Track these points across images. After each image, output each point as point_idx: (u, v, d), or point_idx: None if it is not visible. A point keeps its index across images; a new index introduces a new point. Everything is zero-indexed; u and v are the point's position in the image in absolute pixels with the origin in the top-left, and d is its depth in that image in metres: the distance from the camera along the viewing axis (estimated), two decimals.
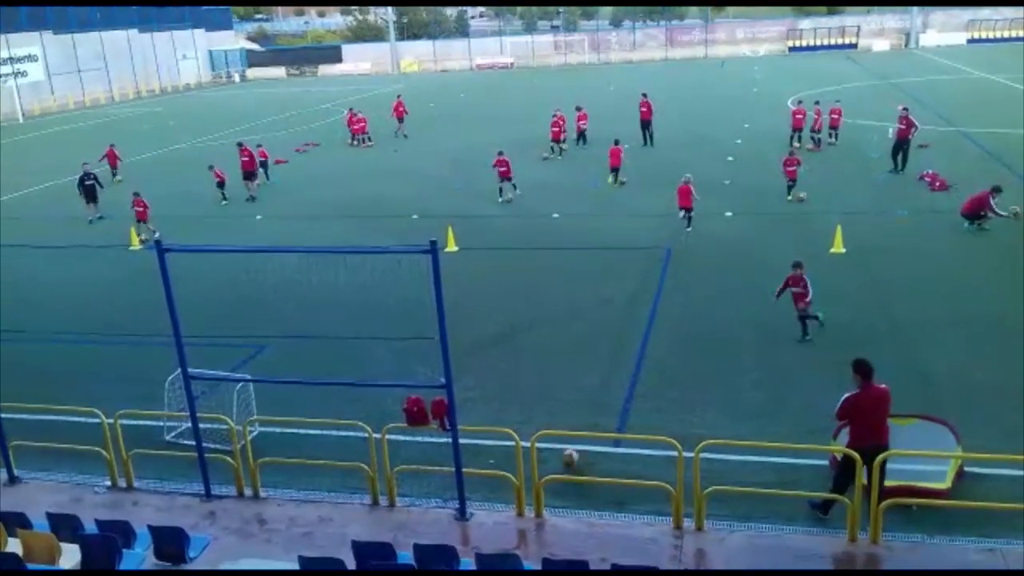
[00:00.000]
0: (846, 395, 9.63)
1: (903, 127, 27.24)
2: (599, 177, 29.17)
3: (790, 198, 23.40)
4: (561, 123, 34.65)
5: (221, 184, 29.09)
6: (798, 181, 24.59)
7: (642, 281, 18.65)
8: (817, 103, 32.80)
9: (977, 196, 20.98)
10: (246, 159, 29.48)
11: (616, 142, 28.64)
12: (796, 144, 31.26)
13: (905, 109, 27.74)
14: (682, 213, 22.22)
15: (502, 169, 26.35)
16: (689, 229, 22.02)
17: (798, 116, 32.25)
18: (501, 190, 26.45)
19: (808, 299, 14.78)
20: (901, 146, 27.31)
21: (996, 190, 20.71)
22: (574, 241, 22.11)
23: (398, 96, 43.12)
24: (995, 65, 54.79)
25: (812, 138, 31.92)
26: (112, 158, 34.04)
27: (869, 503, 9.12)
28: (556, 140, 34.39)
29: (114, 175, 33.56)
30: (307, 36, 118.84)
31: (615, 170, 28.38)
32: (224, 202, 28.84)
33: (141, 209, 24.44)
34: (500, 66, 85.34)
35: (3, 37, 62.96)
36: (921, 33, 79.95)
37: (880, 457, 9.25)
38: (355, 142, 39.67)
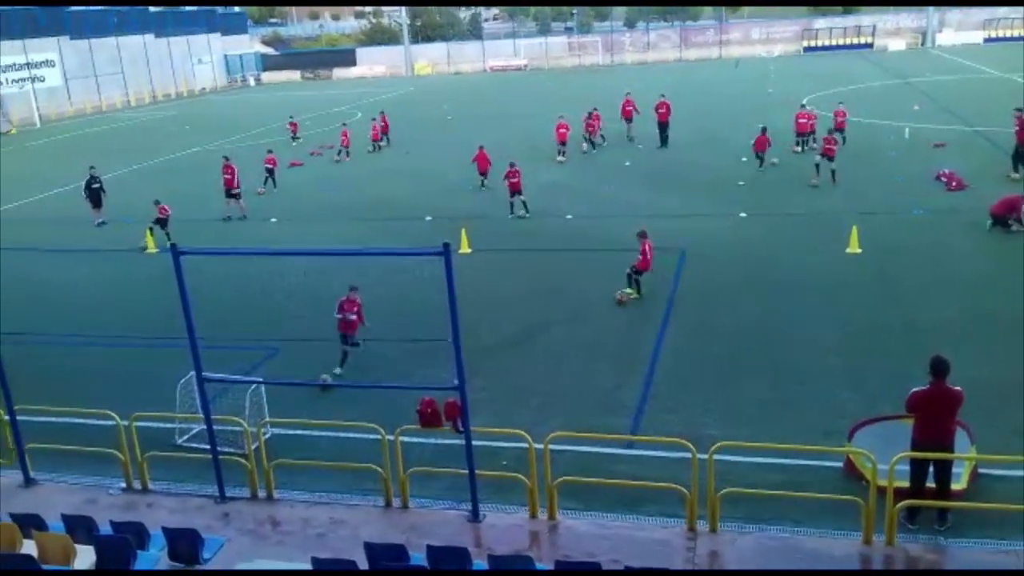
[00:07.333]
0: (914, 389, 9.52)
1: (1020, 129, 25.12)
2: (613, 178, 29.09)
3: None
4: (587, 122, 35.36)
5: (159, 221, 24.19)
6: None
7: (656, 282, 18.59)
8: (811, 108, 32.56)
9: (1011, 199, 20.75)
10: (228, 176, 26.91)
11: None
12: (796, 148, 31.14)
13: (1019, 110, 25.51)
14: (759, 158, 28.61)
15: None
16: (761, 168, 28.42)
17: (801, 120, 31.68)
18: None
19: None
20: (1022, 150, 25.27)
21: None
22: (588, 242, 22.06)
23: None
24: (1012, 64, 54.24)
25: (797, 142, 31.52)
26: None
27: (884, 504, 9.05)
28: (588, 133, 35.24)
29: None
30: (321, 40, 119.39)
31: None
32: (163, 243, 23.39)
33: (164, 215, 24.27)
34: (513, 68, 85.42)
35: (21, 42, 63.62)
36: (938, 32, 79.40)
37: (941, 458, 9.24)
38: (373, 148, 39.41)
